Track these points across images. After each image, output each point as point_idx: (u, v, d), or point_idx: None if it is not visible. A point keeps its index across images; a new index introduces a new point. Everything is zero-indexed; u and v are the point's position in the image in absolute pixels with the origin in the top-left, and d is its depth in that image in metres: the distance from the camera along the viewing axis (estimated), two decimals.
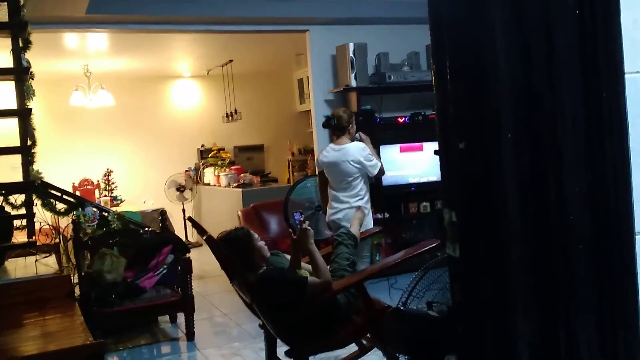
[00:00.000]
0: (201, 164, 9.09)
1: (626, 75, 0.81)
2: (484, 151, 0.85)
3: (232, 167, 8.40)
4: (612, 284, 0.82)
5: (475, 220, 0.88)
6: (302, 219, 3.20)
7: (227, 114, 8.77)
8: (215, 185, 8.51)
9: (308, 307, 3.00)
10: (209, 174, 8.75)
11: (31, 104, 4.23)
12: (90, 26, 5.57)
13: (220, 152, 8.78)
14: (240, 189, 7.49)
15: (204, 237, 3.06)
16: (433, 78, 0.92)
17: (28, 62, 4.15)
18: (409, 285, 2.02)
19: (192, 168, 9.14)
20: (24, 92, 4.22)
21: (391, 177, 6.12)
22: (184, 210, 8.61)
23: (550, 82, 0.81)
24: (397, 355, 2.34)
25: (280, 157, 9.59)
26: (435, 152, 1.01)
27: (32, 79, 4.14)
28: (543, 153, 0.81)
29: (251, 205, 6.28)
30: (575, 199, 0.81)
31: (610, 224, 0.82)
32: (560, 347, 0.84)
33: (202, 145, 9.32)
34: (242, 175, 8.03)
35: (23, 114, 4.18)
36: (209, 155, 8.84)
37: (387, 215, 5.99)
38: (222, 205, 7.93)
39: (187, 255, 4.77)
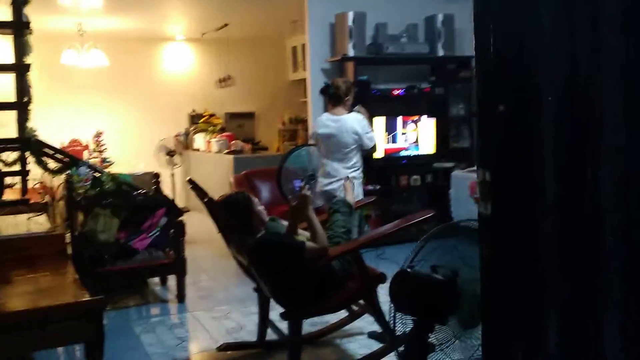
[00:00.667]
0: (192, 129, 9.04)
1: None
2: (522, 113, 0.87)
3: (223, 134, 8.38)
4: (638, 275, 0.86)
5: (509, 182, 0.92)
6: (302, 185, 3.22)
7: (220, 79, 8.72)
8: (205, 151, 8.49)
9: (305, 271, 3.04)
10: (199, 140, 8.72)
11: (29, 60, 4.18)
12: None
13: (212, 117, 8.74)
14: (232, 156, 7.49)
15: (205, 200, 3.09)
16: (475, 42, 0.94)
17: (27, 17, 4.09)
18: (413, 250, 2.06)
19: (182, 133, 9.10)
20: (22, 48, 4.17)
21: (384, 149, 6.15)
22: (172, 175, 8.59)
23: (592, 55, 0.83)
24: (391, 320, 2.40)
25: (271, 126, 9.56)
26: (472, 114, 1.03)
27: (31, 34, 4.09)
28: (582, 123, 0.84)
29: (243, 172, 6.29)
30: (609, 169, 0.84)
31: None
32: (586, 308, 0.88)
33: (193, 110, 9.26)
34: (233, 142, 8.02)
35: (21, 70, 4.14)
36: (200, 121, 8.79)
37: (377, 186, 6.03)
38: (212, 171, 7.92)
39: (181, 218, 4.78)
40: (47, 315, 2.92)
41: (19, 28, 3.97)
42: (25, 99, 4.33)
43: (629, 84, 0.85)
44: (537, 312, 0.90)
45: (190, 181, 3.22)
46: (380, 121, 6.08)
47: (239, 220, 3.10)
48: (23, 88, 4.19)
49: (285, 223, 3.39)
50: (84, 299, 2.98)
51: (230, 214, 3.10)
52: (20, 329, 2.86)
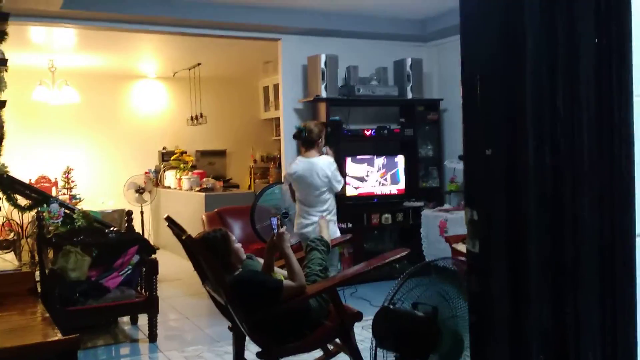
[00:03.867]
0: (162, 166, 9.02)
1: (634, 98, 0.94)
2: (509, 158, 0.95)
3: (194, 171, 8.38)
4: (614, 278, 0.94)
5: (496, 219, 0.99)
6: (278, 223, 3.26)
7: (191, 117, 8.76)
8: (176, 188, 8.46)
9: (282, 309, 3.06)
10: (170, 177, 8.70)
11: (3, 97, 4.18)
12: (62, 21, 5.51)
13: (183, 155, 8.75)
14: (203, 193, 7.48)
15: (183, 237, 3.10)
16: (462, 88, 1.02)
17: (2, 53, 4.10)
18: (394, 287, 2.12)
19: (153, 170, 9.06)
20: None
21: (355, 188, 6.25)
22: (142, 212, 8.51)
23: (571, 100, 0.92)
24: (371, 356, 2.44)
25: (242, 164, 9.61)
26: (460, 157, 1.11)
27: (7, 71, 4.10)
28: (562, 161, 0.93)
29: (215, 210, 6.30)
30: (586, 203, 0.93)
31: (615, 226, 0.94)
32: (567, 334, 0.95)
33: (164, 148, 9.25)
34: (204, 179, 8.03)
35: None
36: (172, 158, 8.78)
37: (349, 225, 6.10)
38: (183, 208, 7.89)
39: (153, 256, 4.76)
40: (19, 356, 2.86)
41: None
42: None
43: (603, 131, 0.94)
44: (521, 341, 0.97)
45: (168, 219, 3.24)
46: (352, 160, 6.20)
47: (217, 257, 3.12)
48: None
49: (261, 261, 3.42)
50: (58, 338, 2.93)
51: (208, 252, 3.12)
52: None
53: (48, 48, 7.03)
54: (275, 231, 3.27)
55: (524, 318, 0.97)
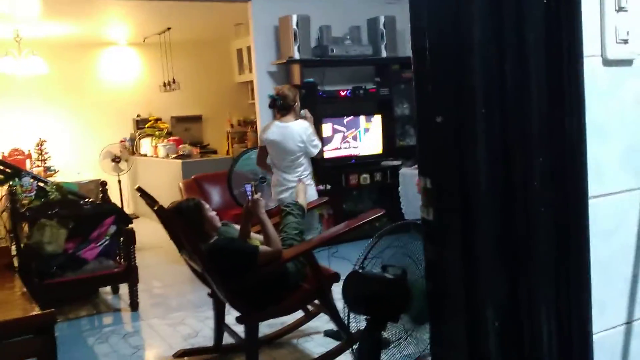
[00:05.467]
0: (137, 134, 8.91)
1: (585, 59, 0.93)
2: (458, 125, 0.95)
3: (170, 138, 8.30)
4: (568, 245, 0.95)
5: (448, 187, 0.99)
6: (252, 189, 3.25)
7: (164, 83, 8.62)
8: (152, 156, 8.39)
9: (259, 275, 3.08)
10: (145, 145, 8.60)
11: None
12: None
13: (158, 122, 8.64)
14: (180, 160, 7.42)
15: (155, 208, 3.08)
16: (412, 58, 1.01)
17: None
18: (364, 250, 2.14)
19: (128, 138, 8.95)
20: None
21: (332, 150, 6.24)
22: (119, 182, 8.45)
23: (520, 65, 0.91)
24: (346, 318, 2.47)
25: (219, 129, 9.52)
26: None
27: None
28: (512, 127, 0.92)
29: (192, 177, 6.27)
30: (539, 168, 0.93)
31: (568, 190, 0.94)
32: (520, 304, 0.97)
33: (138, 115, 9.12)
34: (181, 146, 7.95)
35: None
36: (146, 126, 8.67)
37: (328, 186, 6.11)
38: (160, 176, 7.84)
39: (130, 226, 4.74)
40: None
41: None
42: None
43: (552, 95, 0.94)
44: (476, 308, 0.98)
45: (139, 189, 3.22)
46: (328, 122, 6.17)
47: (190, 226, 3.11)
48: None
49: (237, 227, 3.42)
50: (34, 313, 2.93)
51: (181, 221, 3.11)
52: None
53: (12, 18, 6.82)
54: (249, 198, 3.26)
55: (478, 286, 0.98)
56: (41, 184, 4.97)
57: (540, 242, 0.94)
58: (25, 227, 4.72)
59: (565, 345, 0.93)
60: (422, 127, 1.01)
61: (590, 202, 0.96)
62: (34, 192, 4.87)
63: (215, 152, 8.88)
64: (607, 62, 1.01)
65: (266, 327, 3.75)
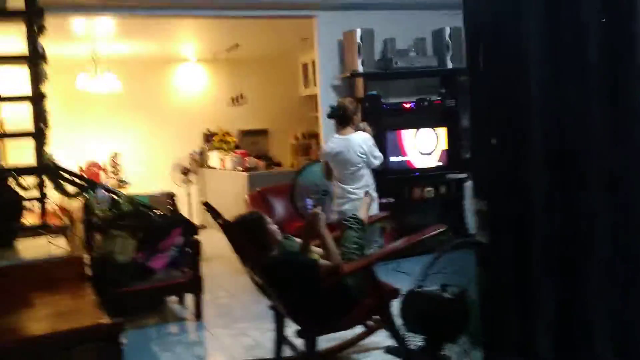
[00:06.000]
0: (206, 147, 9.15)
1: None
2: (514, 148, 0.92)
3: (237, 151, 8.46)
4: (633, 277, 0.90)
5: (504, 211, 0.96)
6: (313, 203, 3.27)
7: (232, 98, 8.83)
8: (220, 168, 8.58)
9: (318, 289, 3.08)
10: (214, 158, 8.82)
11: (44, 89, 4.29)
12: (100, 11, 5.62)
13: (226, 135, 8.83)
14: (247, 173, 7.57)
15: (219, 221, 3.15)
16: (470, 82, 0.99)
17: (42, 47, 4.20)
18: (424, 268, 2.10)
19: (197, 151, 9.20)
20: (38, 77, 4.28)
21: (396, 162, 6.19)
22: (189, 194, 8.68)
23: (579, 88, 0.88)
24: (405, 335, 2.43)
25: (284, 142, 9.63)
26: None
27: (46, 64, 4.20)
28: (568, 148, 0.89)
29: (258, 190, 6.36)
30: (597, 195, 0.89)
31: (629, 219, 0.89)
32: (575, 330, 0.92)
33: (207, 130, 9.36)
34: (247, 159, 8.10)
35: (37, 99, 4.24)
36: (215, 139, 8.89)
37: (391, 199, 6.06)
38: (228, 188, 8.00)
39: (197, 237, 4.85)
40: (67, 339, 2.97)
41: (34, 59, 4.07)
42: (42, 126, 4.43)
43: (613, 115, 0.90)
44: (531, 328, 0.94)
45: (206, 204, 3.29)
46: (392, 134, 6.13)
47: (252, 239, 3.16)
48: (39, 116, 4.28)
49: (298, 241, 3.44)
50: (102, 322, 3.03)
51: (244, 234, 3.16)
52: (40, 353, 2.91)
53: (90, 38, 7.16)
54: (310, 211, 3.28)
55: (533, 313, 0.94)
56: (114, 196, 5.16)
57: (595, 269, 0.90)
58: (99, 238, 4.91)
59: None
60: (476, 150, 0.99)
61: None
62: (107, 204, 5.07)
63: (279, 164, 8.98)
64: None
65: (326, 342, 3.74)
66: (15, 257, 4.39)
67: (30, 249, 4.64)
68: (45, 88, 4.36)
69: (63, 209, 5.70)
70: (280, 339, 3.64)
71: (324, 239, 3.20)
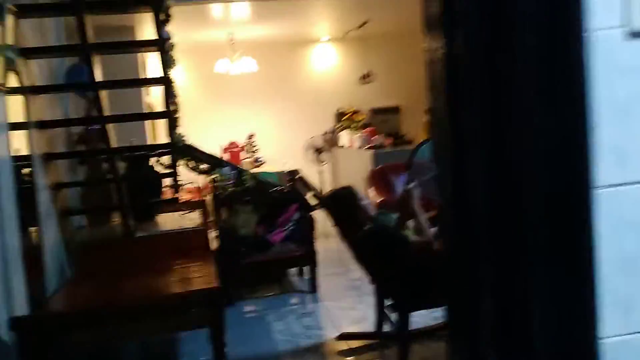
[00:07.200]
0: (337, 126, 9.33)
1: (593, 32, 0.81)
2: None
3: (365, 129, 8.54)
4: (570, 237, 0.85)
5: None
6: (407, 180, 3.26)
7: (363, 75, 8.90)
8: (349, 147, 8.73)
9: (409, 265, 3.09)
10: (344, 136, 8.98)
11: (172, 73, 4.66)
12: None
13: (354, 114, 8.95)
14: (371, 151, 7.63)
15: (313, 195, 3.26)
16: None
17: (168, 34, 4.56)
18: None
19: (329, 131, 9.42)
20: (166, 62, 4.67)
21: None
22: (321, 172, 8.94)
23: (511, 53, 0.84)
24: None
25: (417, 119, 9.53)
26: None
27: (172, 50, 4.55)
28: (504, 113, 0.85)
29: (379, 166, 6.40)
30: (538, 156, 0.84)
31: (570, 181, 0.83)
32: (516, 293, 0.89)
33: (339, 109, 9.54)
34: (374, 137, 8.16)
35: (166, 82, 4.61)
36: (343, 118, 9.05)
37: None
38: (355, 166, 8.13)
39: (312, 213, 5.03)
40: (187, 300, 3.28)
41: (160, 45, 4.43)
42: (172, 108, 4.82)
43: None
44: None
45: (300, 178, 3.41)
46: None
47: (345, 214, 3.23)
48: (168, 98, 4.66)
49: (394, 216, 3.46)
50: (213, 287, 3.30)
51: (337, 208, 3.24)
52: (166, 310, 3.23)
53: (226, 23, 7.60)
54: (405, 188, 3.28)
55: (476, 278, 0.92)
56: (239, 173, 5.49)
57: (537, 236, 0.85)
58: (225, 212, 5.28)
59: (563, 349, 0.83)
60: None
61: (612, 190, 0.83)
62: (233, 181, 5.41)
63: (410, 142, 8.92)
64: (634, 34, 0.85)
65: (432, 319, 3.71)
66: (155, 228, 4.91)
67: (168, 221, 5.15)
68: (182, 72, 4.73)
69: (196, 186, 6.19)
70: (381, 314, 3.69)
71: (417, 215, 3.18)
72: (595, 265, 0.85)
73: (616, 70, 0.83)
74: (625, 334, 0.86)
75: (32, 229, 3.55)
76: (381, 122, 9.31)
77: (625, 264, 0.86)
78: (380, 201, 5.84)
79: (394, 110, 9.65)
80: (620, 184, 0.84)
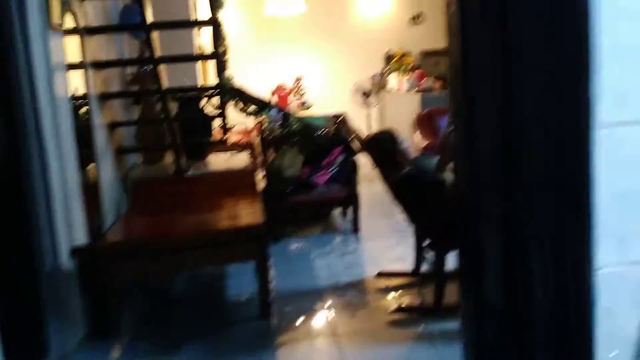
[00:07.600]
0: (385, 69, 9.24)
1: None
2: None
3: (414, 72, 8.46)
4: (569, 173, 0.91)
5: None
6: (448, 122, 3.29)
7: (412, 16, 8.75)
8: (397, 90, 8.68)
9: (445, 206, 3.16)
10: (392, 80, 8.92)
11: (220, 15, 4.75)
12: None
13: (403, 57, 8.84)
14: (419, 94, 7.58)
15: (352, 137, 3.34)
16: None
17: None
18: None
19: (377, 74, 9.34)
20: (214, 4, 4.75)
21: None
22: (368, 115, 8.95)
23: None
24: None
25: None
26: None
27: None
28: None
29: (426, 110, 6.40)
30: (541, 95, 0.90)
31: (570, 118, 0.89)
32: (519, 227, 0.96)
33: (388, 51, 9.42)
34: (423, 80, 8.08)
35: (214, 24, 4.70)
36: (392, 61, 8.95)
37: None
38: (403, 110, 8.11)
39: (355, 156, 5.11)
40: (233, 234, 3.48)
41: None
42: (221, 50, 4.92)
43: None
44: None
45: (342, 121, 3.49)
46: None
47: (385, 156, 3.31)
48: (217, 40, 4.75)
49: (434, 160, 3.51)
50: (252, 223, 3.48)
51: (376, 151, 3.32)
52: (215, 243, 3.43)
53: None
54: (446, 129, 3.32)
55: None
56: (286, 116, 5.60)
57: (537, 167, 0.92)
58: (271, 154, 5.43)
59: (561, 280, 0.91)
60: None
61: (610, 130, 0.88)
62: (279, 122, 5.53)
63: None
64: None
65: None
66: (206, 167, 5.12)
67: (217, 161, 5.35)
68: (230, 14, 4.78)
69: (244, 128, 6.34)
70: (419, 254, 3.80)
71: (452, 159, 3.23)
72: (592, 200, 0.91)
73: (621, 14, 0.87)
74: (619, 265, 0.93)
75: (90, 166, 3.78)
76: (431, 65, 9.16)
77: (620, 199, 0.92)
78: (426, 145, 5.87)
79: (445, 53, 9.46)
80: (619, 124, 0.89)
